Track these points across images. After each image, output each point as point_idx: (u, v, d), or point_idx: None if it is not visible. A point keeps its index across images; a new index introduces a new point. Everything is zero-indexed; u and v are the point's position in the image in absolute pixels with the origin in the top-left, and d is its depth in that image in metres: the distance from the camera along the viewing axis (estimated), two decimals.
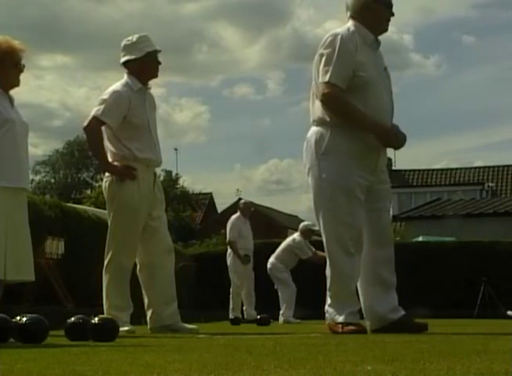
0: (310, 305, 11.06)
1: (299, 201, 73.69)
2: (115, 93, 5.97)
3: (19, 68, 5.09)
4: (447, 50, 73.72)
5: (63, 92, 74.39)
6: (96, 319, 4.07)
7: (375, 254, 5.45)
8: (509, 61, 73.13)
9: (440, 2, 74.63)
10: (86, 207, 14.49)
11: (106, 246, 6.04)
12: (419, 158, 75.75)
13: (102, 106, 5.91)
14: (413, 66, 71.17)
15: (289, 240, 12.57)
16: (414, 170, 41.20)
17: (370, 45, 5.41)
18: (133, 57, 6.00)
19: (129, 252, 6.07)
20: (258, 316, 10.37)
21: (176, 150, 49.90)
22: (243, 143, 79.85)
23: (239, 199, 15.90)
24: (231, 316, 12.22)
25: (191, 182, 77.36)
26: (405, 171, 41.53)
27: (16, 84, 5.13)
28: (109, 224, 6.10)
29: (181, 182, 42.22)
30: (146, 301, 6.21)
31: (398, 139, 5.49)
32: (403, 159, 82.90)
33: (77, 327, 4.13)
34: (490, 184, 37.59)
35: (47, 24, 65.45)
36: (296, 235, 12.45)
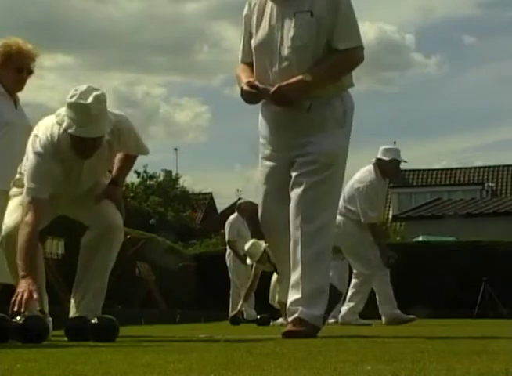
0: None
1: None
2: (38, 157, 4.38)
3: (25, 72, 5.08)
4: (448, 50, 73.79)
5: (64, 92, 74.47)
6: (96, 319, 4.07)
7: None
8: (509, 61, 73.21)
9: (442, 2, 74.70)
10: None
11: None
12: (419, 158, 75.71)
13: (28, 182, 4.40)
14: (414, 66, 71.22)
15: None
16: (414, 170, 41.18)
17: None
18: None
19: None
20: (258, 316, 10.36)
21: (176, 150, 49.95)
22: (243, 143, 79.73)
23: (239, 199, 15.89)
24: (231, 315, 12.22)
25: (191, 182, 77.26)
26: (405, 171, 41.50)
27: (20, 88, 5.13)
28: None
29: (181, 182, 42.18)
30: None
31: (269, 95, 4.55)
32: (403, 159, 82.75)
33: (77, 327, 4.14)
34: (490, 184, 37.60)
35: (48, 24, 65.45)
36: None
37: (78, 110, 4.18)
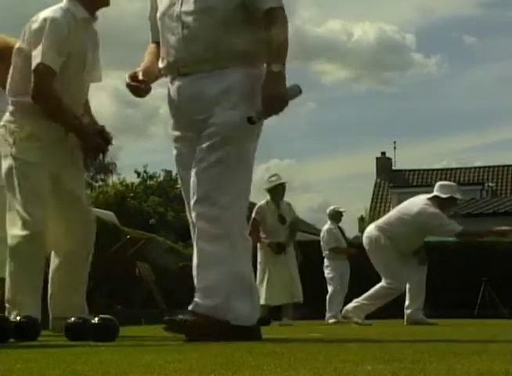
0: (310, 305, 11.07)
1: (299, 201, 73.76)
2: (54, 23, 4.58)
3: None
4: (449, 50, 73.88)
5: None
6: (96, 319, 4.07)
7: None
8: (509, 61, 73.24)
9: (442, 1, 74.73)
10: None
11: None
12: (419, 158, 75.79)
13: (44, 48, 4.51)
14: (415, 66, 71.28)
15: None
16: (414, 170, 41.21)
17: None
18: None
19: None
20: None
21: None
22: None
23: None
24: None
25: None
26: (405, 171, 41.55)
27: None
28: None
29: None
30: None
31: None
32: (403, 159, 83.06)
33: (77, 327, 4.14)
34: (490, 184, 37.62)
35: None
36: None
37: None
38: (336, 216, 12.41)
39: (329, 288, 11.99)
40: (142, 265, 12.96)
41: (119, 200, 33.65)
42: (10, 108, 4.68)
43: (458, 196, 8.82)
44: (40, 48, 4.49)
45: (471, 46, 71.48)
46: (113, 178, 41.40)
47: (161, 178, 41.28)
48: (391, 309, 9.42)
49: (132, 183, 38.94)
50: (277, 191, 10.18)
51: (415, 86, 73.93)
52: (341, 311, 11.60)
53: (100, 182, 45.46)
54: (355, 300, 9.06)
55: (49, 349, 3.36)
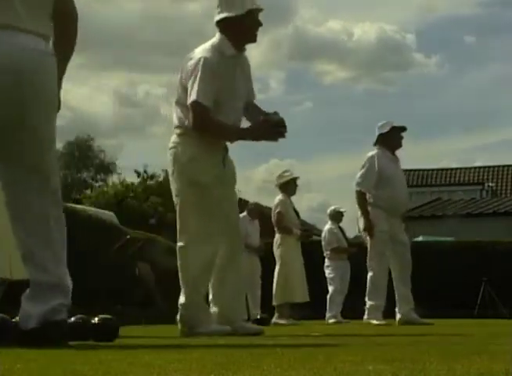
0: (310, 305, 11.07)
1: (299, 201, 73.78)
2: (206, 62, 5.08)
3: None
4: (449, 50, 73.83)
5: (64, 92, 74.23)
6: (96, 319, 4.08)
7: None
8: (509, 61, 73.21)
9: (442, 1, 74.70)
10: (86, 207, 14.44)
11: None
12: (419, 158, 75.72)
13: (197, 86, 5.02)
14: (415, 66, 71.28)
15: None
16: (414, 170, 41.18)
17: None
18: (231, 15, 5.10)
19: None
20: (258, 316, 10.37)
21: None
22: (243, 143, 79.84)
23: (239, 199, 15.91)
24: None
25: None
26: (405, 171, 41.49)
27: None
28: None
29: None
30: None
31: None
32: (403, 159, 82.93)
33: (77, 327, 4.13)
34: (490, 184, 37.59)
35: None
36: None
37: None
38: (336, 216, 12.43)
39: (330, 288, 11.99)
40: (142, 266, 12.96)
41: (119, 200, 33.63)
42: (177, 131, 5.17)
43: (396, 124, 8.86)
44: (195, 86, 5.00)
45: (471, 46, 71.50)
46: (113, 178, 41.40)
47: (161, 178, 41.23)
48: (390, 308, 9.41)
49: (132, 183, 38.89)
50: (290, 186, 10.31)
51: (415, 86, 73.93)
52: (341, 311, 11.57)
53: (100, 182, 45.51)
54: (368, 303, 8.75)
55: (49, 349, 3.36)
